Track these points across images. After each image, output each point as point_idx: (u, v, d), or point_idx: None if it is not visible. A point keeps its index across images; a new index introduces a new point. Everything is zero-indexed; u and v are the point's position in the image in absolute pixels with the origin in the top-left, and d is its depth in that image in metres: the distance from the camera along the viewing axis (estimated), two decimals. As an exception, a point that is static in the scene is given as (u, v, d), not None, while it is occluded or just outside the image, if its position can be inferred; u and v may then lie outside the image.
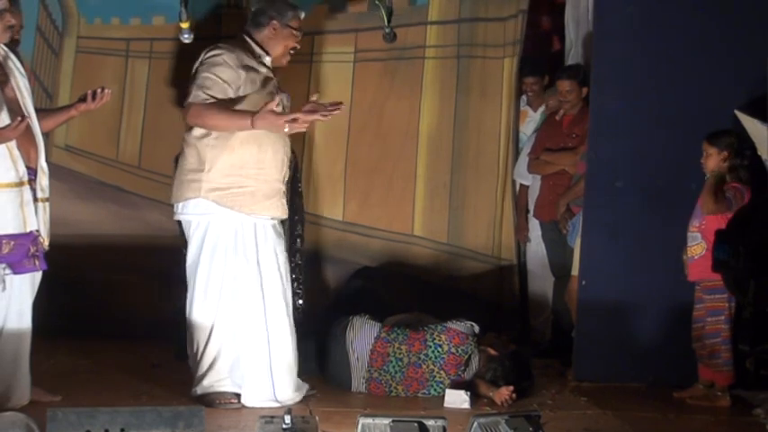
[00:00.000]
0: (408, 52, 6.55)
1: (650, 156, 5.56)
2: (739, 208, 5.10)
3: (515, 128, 6.60)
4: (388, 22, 5.25)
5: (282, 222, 5.11)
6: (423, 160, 6.64)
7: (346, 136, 6.60)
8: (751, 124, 5.21)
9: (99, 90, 4.73)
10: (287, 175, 5.03)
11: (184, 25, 5.59)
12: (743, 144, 5.22)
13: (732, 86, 5.39)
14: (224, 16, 6.52)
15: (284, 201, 5.02)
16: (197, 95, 4.80)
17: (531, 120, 6.65)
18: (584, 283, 5.61)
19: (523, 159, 6.52)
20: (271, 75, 5.00)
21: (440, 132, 6.62)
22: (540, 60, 6.71)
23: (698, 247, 5.22)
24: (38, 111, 4.75)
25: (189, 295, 4.97)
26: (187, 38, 5.62)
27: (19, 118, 4.33)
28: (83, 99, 4.75)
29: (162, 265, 6.09)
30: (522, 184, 6.60)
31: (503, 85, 6.56)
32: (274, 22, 4.99)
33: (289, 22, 5.01)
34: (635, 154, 5.56)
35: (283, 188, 5.00)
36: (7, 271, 4.49)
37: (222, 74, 4.84)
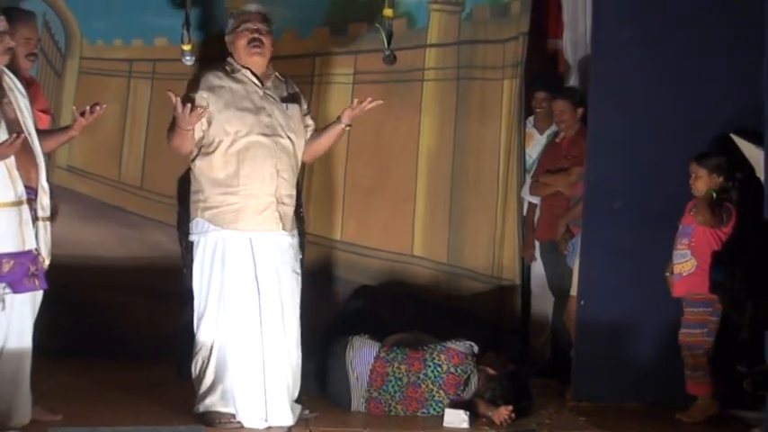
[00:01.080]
0: (408, 74, 6.54)
1: (648, 177, 5.53)
2: (735, 229, 5.11)
3: (521, 148, 6.58)
4: (389, 44, 5.25)
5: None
6: (422, 181, 6.63)
7: (345, 156, 6.58)
8: (746, 147, 5.19)
9: (93, 105, 4.71)
10: (284, 188, 4.91)
11: (186, 48, 5.61)
12: (732, 166, 5.22)
13: (728, 107, 5.37)
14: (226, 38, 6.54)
15: (281, 213, 4.90)
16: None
17: (537, 143, 6.63)
18: (582, 303, 5.58)
19: (530, 179, 6.54)
20: (256, 87, 4.94)
21: (439, 153, 6.62)
22: (552, 76, 6.71)
23: (687, 263, 5.22)
24: (39, 132, 4.73)
25: (195, 314, 4.94)
26: (189, 60, 5.63)
27: (14, 134, 4.32)
28: (82, 114, 4.73)
29: (163, 284, 6.08)
30: (530, 203, 6.58)
31: (502, 107, 6.55)
32: (227, 37, 5.00)
33: (234, 29, 4.96)
34: (633, 175, 5.54)
35: (276, 201, 4.89)
36: (7, 290, 4.45)
37: (190, 95, 4.84)
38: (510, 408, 5.04)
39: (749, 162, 5.19)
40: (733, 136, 5.25)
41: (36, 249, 4.50)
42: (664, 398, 5.39)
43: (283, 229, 4.90)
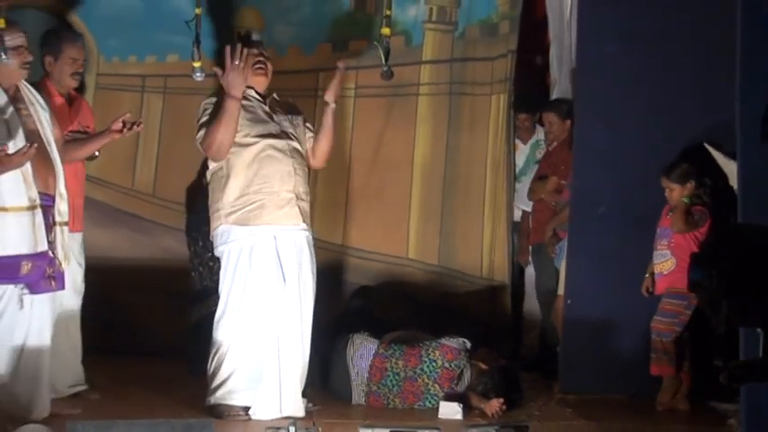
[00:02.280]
0: (404, 89, 6.61)
1: (631, 184, 5.60)
2: (711, 231, 5.21)
3: (512, 158, 6.63)
4: (386, 60, 5.33)
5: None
6: (417, 188, 6.68)
7: (347, 165, 6.67)
8: (718, 157, 5.26)
9: (134, 123, 4.89)
10: (301, 185, 5.04)
11: (197, 64, 5.66)
12: (701, 171, 5.31)
13: (705, 119, 5.42)
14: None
15: (301, 208, 5.01)
16: (200, 133, 4.96)
17: (522, 152, 6.72)
18: (569, 302, 5.65)
19: (522, 187, 6.59)
20: (260, 103, 5.10)
21: (432, 163, 6.67)
22: (532, 98, 6.76)
23: (668, 262, 5.35)
24: (75, 140, 4.86)
25: (217, 313, 5.03)
26: (199, 76, 5.68)
27: (28, 144, 4.36)
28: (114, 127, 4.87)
29: (174, 285, 6.14)
30: (524, 210, 6.65)
31: (489, 120, 6.60)
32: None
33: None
34: (616, 182, 5.61)
35: (296, 197, 5.00)
36: (25, 291, 4.51)
37: (208, 109, 5.00)
38: (501, 400, 5.09)
39: (722, 169, 5.30)
40: (707, 146, 5.32)
41: (52, 252, 4.57)
42: (646, 389, 5.44)
43: (303, 222, 5.02)
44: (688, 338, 5.40)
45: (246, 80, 4.94)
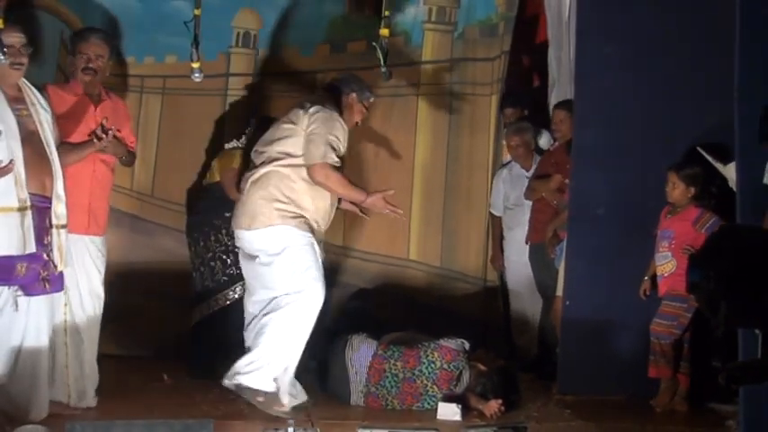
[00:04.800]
0: (405, 89, 6.63)
1: (629, 185, 5.60)
2: (710, 234, 5.20)
3: (500, 159, 6.65)
4: (385, 62, 5.34)
5: None
6: (418, 190, 6.70)
7: (347, 166, 6.65)
8: (713, 162, 5.24)
9: (102, 130, 4.82)
10: (327, 225, 5.27)
11: (195, 65, 5.68)
12: (708, 179, 5.31)
13: (703, 121, 5.42)
14: (233, 56, 6.63)
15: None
16: (330, 157, 5.02)
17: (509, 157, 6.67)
18: (568, 303, 5.65)
19: (495, 191, 6.58)
20: None
21: (433, 164, 6.68)
22: (521, 94, 6.78)
23: (668, 264, 5.35)
24: (64, 144, 4.79)
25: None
26: (198, 77, 5.70)
27: (9, 160, 4.35)
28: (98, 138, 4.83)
29: (174, 287, 6.15)
30: (493, 215, 6.65)
31: (490, 120, 6.62)
32: (353, 95, 5.25)
33: (363, 100, 5.28)
34: (615, 183, 5.61)
35: (322, 231, 5.27)
36: (19, 293, 4.51)
37: (341, 136, 5.08)
38: (500, 401, 5.10)
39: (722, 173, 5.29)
40: (699, 149, 5.31)
41: (47, 255, 4.56)
42: (643, 391, 5.44)
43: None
44: (687, 340, 5.39)
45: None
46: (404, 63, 6.54)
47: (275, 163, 5.07)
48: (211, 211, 5.96)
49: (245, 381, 4.96)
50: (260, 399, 4.96)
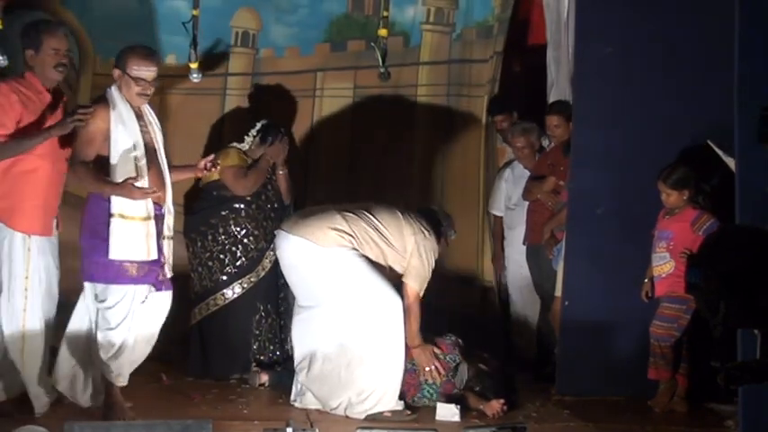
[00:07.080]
0: (402, 89, 6.64)
1: (628, 185, 5.61)
2: (709, 234, 5.20)
3: (492, 160, 6.66)
4: (383, 62, 5.36)
5: None
6: (415, 189, 6.70)
7: (347, 166, 6.69)
8: (724, 156, 5.21)
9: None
10: None
11: (194, 66, 5.67)
12: (699, 177, 5.32)
13: (704, 119, 5.42)
14: (232, 55, 6.63)
15: None
16: (422, 289, 5.35)
17: (510, 156, 6.68)
18: (566, 303, 5.65)
19: (497, 191, 6.59)
20: None
21: (431, 164, 6.69)
22: (506, 98, 6.77)
23: (666, 265, 5.35)
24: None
25: None
26: (196, 77, 5.70)
27: (153, 189, 4.73)
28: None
29: (176, 289, 6.15)
30: (495, 215, 6.67)
31: (483, 122, 6.66)
32: (446, 232, 5.56)
33: (448, 237, 5.60)
34: (613, 184, 5.62)
35: None
36: (152, 290, 4.85)
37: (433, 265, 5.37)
38: (502, 401, 5.10)
39: (726, 168, 5.29)
40: (710, 143, 5.30)
41: (164, 260, 4.86)
42: (642, 391, 5.46)
43: None
44: (686, 340, 5.40)
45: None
46: (403, 63, 6.55)
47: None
48: (209, 210, 5.96)
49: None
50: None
